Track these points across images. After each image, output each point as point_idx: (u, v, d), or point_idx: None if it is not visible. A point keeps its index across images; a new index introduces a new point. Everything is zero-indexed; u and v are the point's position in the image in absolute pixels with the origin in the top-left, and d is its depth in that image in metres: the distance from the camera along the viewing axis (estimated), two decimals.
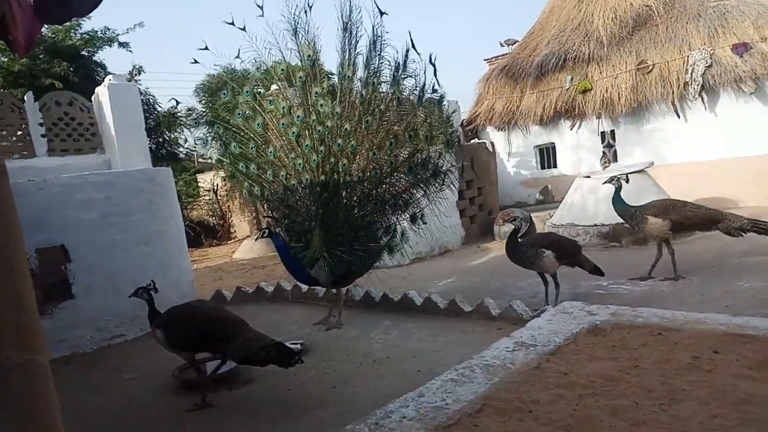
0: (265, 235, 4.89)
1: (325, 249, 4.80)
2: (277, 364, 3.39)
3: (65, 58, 12.12)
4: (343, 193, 4.90)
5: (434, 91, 5.10)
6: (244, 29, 4.69)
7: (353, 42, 4.81)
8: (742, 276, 5.05)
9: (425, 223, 5.25)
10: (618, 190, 5.53)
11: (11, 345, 1.47)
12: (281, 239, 4.85)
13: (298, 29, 4.78)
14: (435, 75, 4.97)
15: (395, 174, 4.95)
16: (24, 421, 1.51)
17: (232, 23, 4.66)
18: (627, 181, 5.67)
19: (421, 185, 5.02)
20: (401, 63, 4.86)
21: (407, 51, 4.81)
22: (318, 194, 4.88)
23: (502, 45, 13.54)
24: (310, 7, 4.73)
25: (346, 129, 4.79)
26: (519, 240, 4.88)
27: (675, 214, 5.23)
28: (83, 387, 4.11)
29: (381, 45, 4.80)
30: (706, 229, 5.51)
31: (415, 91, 4.99)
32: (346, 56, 4.84)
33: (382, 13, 4.65)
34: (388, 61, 4.85)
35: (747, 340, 2.94)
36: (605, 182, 5.88)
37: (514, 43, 13.31)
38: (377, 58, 4.83)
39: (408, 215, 5.12)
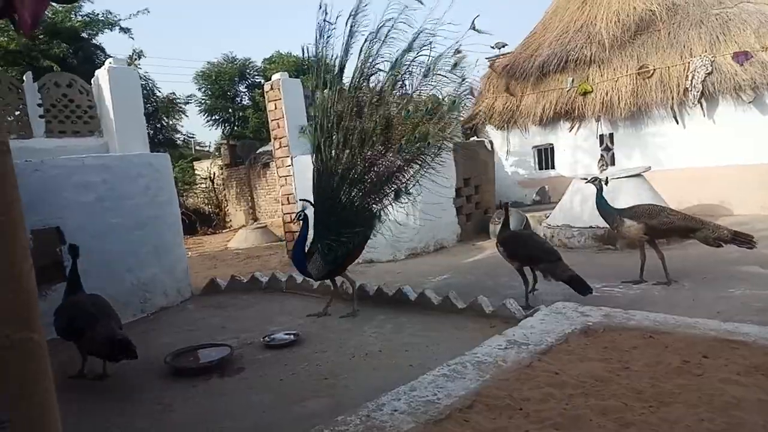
0: (300, 217, 4.92)
1: (318, 242, 4.83)
2: (105, 357, 3.65)
3: (64, 40, 12.03)
4: (333, 183, 4.87)
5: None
6: None
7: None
8: (733, 283, 5.10)
9: (410, 194, 5.15)
10: (600, 190, 5.62)
11: (9, 323, 1.47)
12: (305, 229, 4.90)
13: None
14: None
15: (386, 155, 4.89)
16: (20, 399, 1.51)
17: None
18: (606, 183, 5.79)
19: (418, 161, 4.97)
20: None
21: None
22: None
23: (492, 47, 13.53)
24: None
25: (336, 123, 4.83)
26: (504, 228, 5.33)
27: (650, 219, 5.32)
28: (74, 370, 4.10)
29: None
30: (682, 236, 5.59)
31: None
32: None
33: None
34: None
35: (736, 346, 2.98)
36: (587, 182, 6.07)
37: (504, 46, 13.31)
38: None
39: (392, 191, 5.04)
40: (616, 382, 2.69)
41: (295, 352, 4.18)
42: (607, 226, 5.99)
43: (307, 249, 4.94)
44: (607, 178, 6.00)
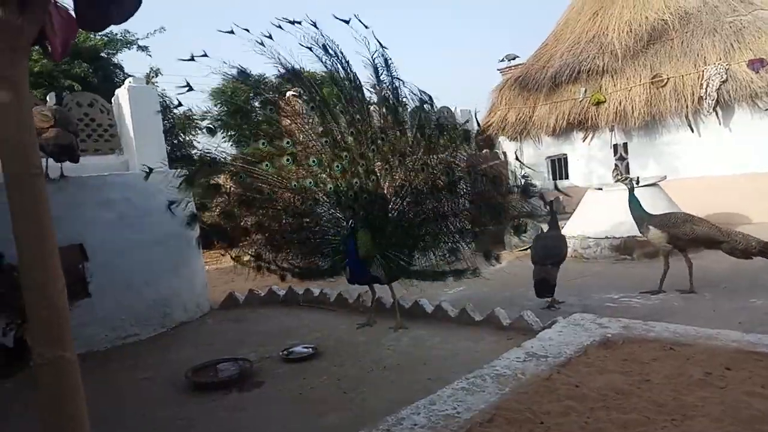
0: (353, 225, 4.84)
1: (377, 250, 4.88)
2: None
3: (85, 59, 12.30)
4: (389, 198, 5.06)
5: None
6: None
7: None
8: (755, 292, 5.03)
9: (499, 262, 5.52)
10: (631, 191, 5.63)
11: (43, 342, 1.53)
12: (353, 241, 4.83)
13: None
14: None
15: (437, 194, 5.00)
16: (53, 415, 1.56)
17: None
18: (638, 183, 5.81)
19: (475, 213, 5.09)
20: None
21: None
22: (354, 197, 5.00)
23: (501, 60, 13.58)
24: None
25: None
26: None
27: (674, 228, 5.29)
28: (98, 385, 4.15)
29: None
30: (708, 247, 5.51)
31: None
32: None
33: None
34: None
35: (759, 358, 2.94)
36: (617, 180, 6.22)
37: (515, 58, 13.35)
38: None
39: (480, 251, 5.30)
40: (637, 395, 2.66)
41: (313, 365, 4.21)
42: (633, 235, 6.00)
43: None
44: (638, 178, 6.03)
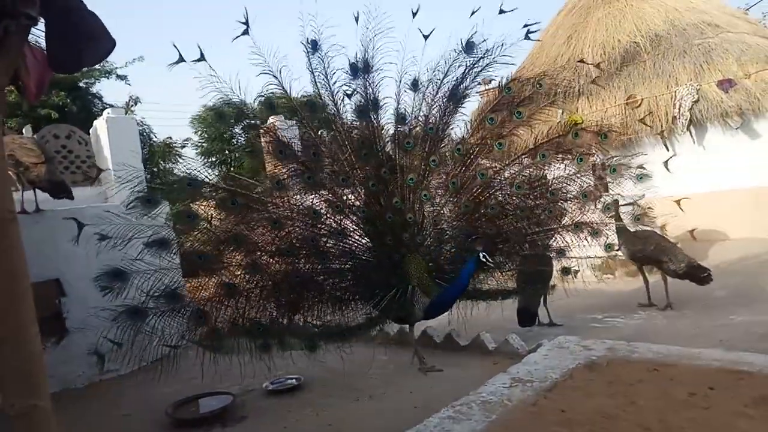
0: (482, 251, 4.43)
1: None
2: None
3: (63, 89, 12.23)
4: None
5: None
6: None
7: None
8: (734, 309, 5.10)
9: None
10: (617, 211, 5.85)
11: (16, 392, 1.49)
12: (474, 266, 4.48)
13: None
14: None
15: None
16: None
17: None
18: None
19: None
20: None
21: None
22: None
23: (479, 84, 13.80)
24: None
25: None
26: None
27: (631, 246, 5.46)
28: (76, 424, 4.04)
29: None
30: (655, 266, 5.65)
31: None
32: None
33: None
34: None
35: (741, 376, 2.95)
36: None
37: (490, 81, 13.58)
38: None
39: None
40: (623, 418, 2.66)
41: (298, 397, 4.14)
42: (602, 255, 6.06)
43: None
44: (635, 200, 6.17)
